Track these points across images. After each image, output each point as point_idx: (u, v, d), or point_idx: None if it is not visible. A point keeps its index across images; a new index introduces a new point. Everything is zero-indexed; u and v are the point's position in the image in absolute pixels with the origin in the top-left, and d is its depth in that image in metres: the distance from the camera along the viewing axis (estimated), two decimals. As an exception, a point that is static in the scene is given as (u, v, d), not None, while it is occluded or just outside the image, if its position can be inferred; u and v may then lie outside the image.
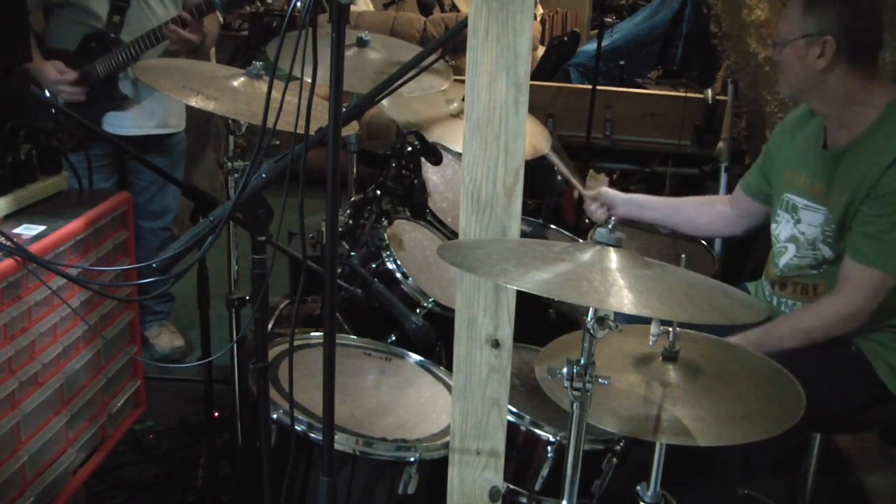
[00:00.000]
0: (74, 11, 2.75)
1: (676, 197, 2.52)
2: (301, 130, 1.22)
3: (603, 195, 2.44)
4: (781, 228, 2.08)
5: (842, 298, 1.90)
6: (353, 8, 5.94)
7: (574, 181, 2.60)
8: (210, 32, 2.90)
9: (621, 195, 2.42)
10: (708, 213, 2.39)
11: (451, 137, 2.57)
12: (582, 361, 1.30)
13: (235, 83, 2.11)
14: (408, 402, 1.86)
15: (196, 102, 1.99)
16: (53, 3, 2.77)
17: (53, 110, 2.33)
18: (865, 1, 1.88)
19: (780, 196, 2.10)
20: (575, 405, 1.33)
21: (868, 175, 1.85)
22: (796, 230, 2.03)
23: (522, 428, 1.76)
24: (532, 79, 1.43)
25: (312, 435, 1.63)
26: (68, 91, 2.74)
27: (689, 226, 2.41)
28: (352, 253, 2.19)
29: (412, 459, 1.63)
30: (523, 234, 1.69)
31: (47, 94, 2.73)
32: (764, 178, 2.21)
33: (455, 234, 2.18)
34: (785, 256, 2.06)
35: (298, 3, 1.18)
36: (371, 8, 7.34)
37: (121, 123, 2.89)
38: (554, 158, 2.58)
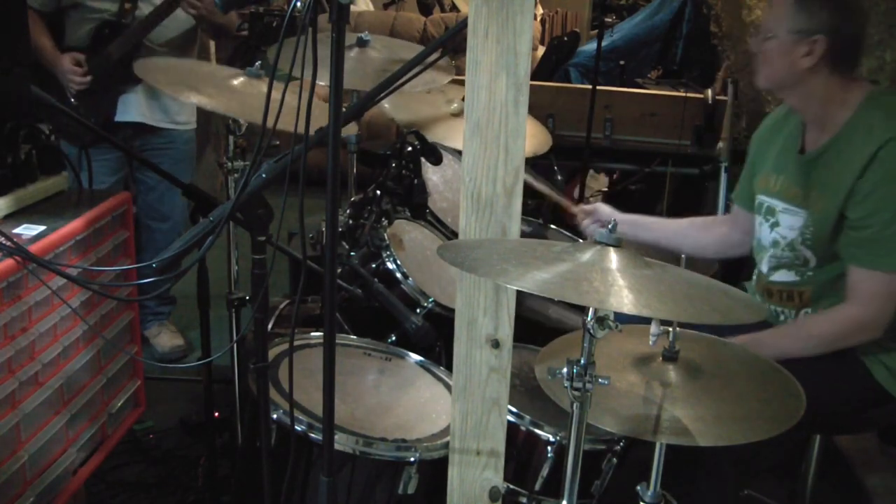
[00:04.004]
0: (84, 10, 2.77)
1: (677, 218, 2.44)
2: (301, 130, 1.22)
3: (599, 212, 2.35)
4: (762, 233, 2.07)
5: (855, 307, 1.86)
6: (353, 8, 5.93)
7: (562, 201, 2.51)
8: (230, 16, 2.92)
9: (619, 215, 2.31)
10: (710, 236, 2.33)
11: (452, 136, 2.58)
12: (582, 361, 1.30)
13: (235, 83, 2.11)
14: (408, 402, 1.86)
15: (195, 99, 2.00)
16: (65, 5, 2.78)
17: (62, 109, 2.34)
18: (856, 6, 1.87)
19: (755, 200, 2.09)
20: (575, 405, 1.33)
21: (847, 175, 1.83)
22: (776, 234, 2.01)
23: (522, 428, 1.76)
24: (532, 79, 1.43)
25: (312, 435, 1.63)
26: (78, 80, 2.75)
27: (692, 249, 2.33)
28: (352, 253, 2.19)
29: (412, 459, 1.63)
30: (523, 234, 1.69)
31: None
32: (751, 187, 2.18)
33: (455, 234, 2.18)
34: (765, 262, 2.05)
35: (298, 3, 1.18)
36: (371, 8, 7.34)
37: (126, 110, 2.89)
38: (536, 184, 2.47)
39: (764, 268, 2.06)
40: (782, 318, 2.05)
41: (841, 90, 1.88)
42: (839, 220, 1.86)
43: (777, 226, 2.01)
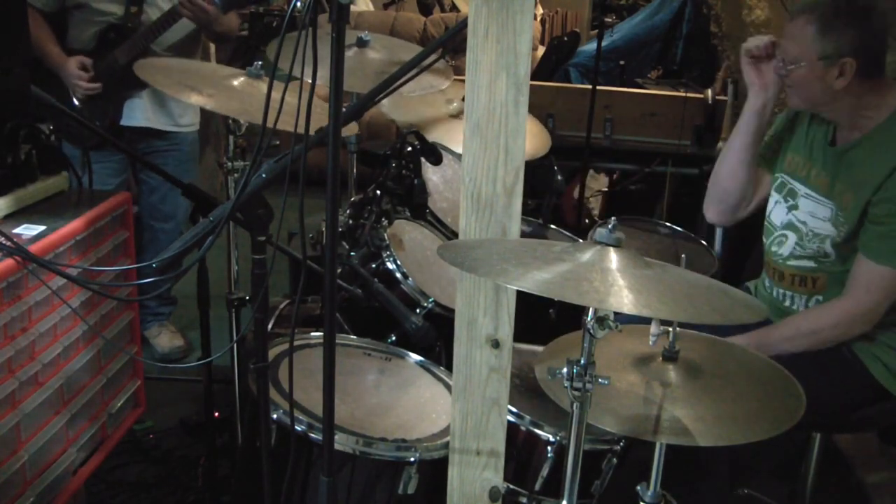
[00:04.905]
0: (89, 12, 2.77)
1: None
2: (301, 130, 1.22)
3: (766, 69, 2.07)
4: (775, 212, 2.08)
5: (854, 298, 1.89)
6: (353, 8, 5.93)
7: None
8: (231, 18, 2.92)
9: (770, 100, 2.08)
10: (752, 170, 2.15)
11: (451, 137, 2.58)
12: (582, 361, 1.30)
13: (235, 83, 2.11)
14: (408, 402, 1.86)
15: (196, 100, 2.00)
16: (69, 6, 2.78)
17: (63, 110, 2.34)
18: (877, 20, 1.87)
19: (775, 175, 2.10)
20: (575, 405, 1.33)
21: (875, 173, 1.86)
22: (793, 217, 2.03)
23: (522, 428, 1.76)
24: (532, 79, 1.43)
25: (312, 435, 1.63)
26: (84, 86, 2.75)
27: (739, 167, 2.15)
28: (352, 253, 2.19)
29: (412, 459, 1.63)
30: (523, 234, 1.69)
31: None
32: (777, 147, 2.13)
33: (455, 234, 2.18)
34: (785, 246, 2.05)
35: (298, 3, 1.18)
36: (371, 8, 7.33)
37: (131, 115, 2.89)
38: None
39: (781, 251, 2.06)
40: (787, 302, 2.06)
41: (874, 94, 1.91)
42: (863, 215, 1.89)
43: (795, 209, 2.03)
